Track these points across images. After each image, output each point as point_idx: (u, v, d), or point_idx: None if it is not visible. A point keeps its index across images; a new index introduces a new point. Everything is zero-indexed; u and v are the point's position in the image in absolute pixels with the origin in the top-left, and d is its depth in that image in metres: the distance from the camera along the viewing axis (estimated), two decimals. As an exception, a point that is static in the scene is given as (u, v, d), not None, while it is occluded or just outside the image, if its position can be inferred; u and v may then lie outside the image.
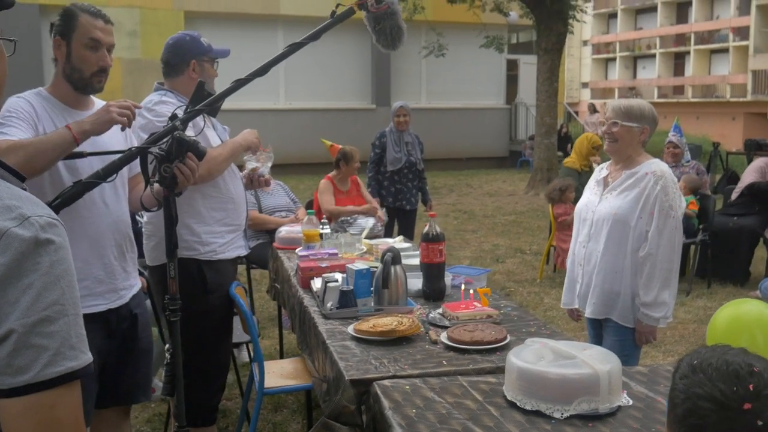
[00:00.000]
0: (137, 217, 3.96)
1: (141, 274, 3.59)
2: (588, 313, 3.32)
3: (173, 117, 2.37)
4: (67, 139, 2.35)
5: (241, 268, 5.95)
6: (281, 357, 4.90)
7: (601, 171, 3.42)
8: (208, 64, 3.23)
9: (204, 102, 2.41)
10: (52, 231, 1.09)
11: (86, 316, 2.53)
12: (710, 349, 1.36)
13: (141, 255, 3.42)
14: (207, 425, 3.32)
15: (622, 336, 3.22)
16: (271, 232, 5.34)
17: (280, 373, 3.55)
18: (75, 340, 1.09)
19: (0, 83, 1.20)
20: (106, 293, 2.64)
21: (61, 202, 2.06)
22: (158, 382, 4.42)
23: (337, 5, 2.54)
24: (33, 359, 1.04)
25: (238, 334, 3.94)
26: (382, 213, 6.14)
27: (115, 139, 2.64)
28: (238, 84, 2.40)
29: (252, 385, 3.62)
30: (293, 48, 2.45)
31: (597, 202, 3.30)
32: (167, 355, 2.60)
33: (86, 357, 1.11)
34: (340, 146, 6.32)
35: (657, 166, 3.19)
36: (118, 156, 2.31)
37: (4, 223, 1.04)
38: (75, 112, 2.59)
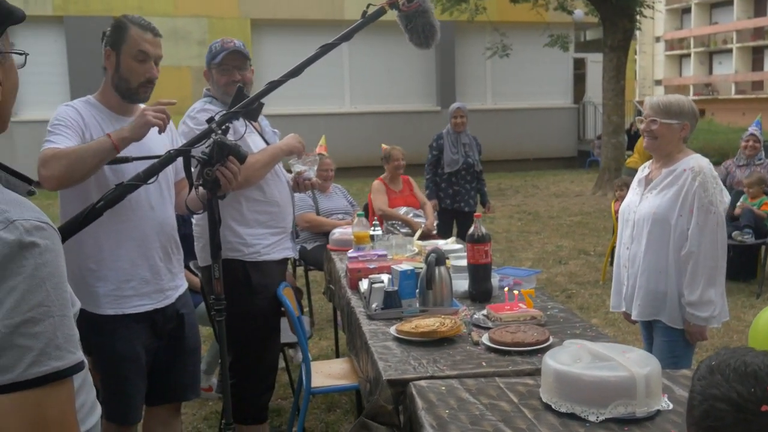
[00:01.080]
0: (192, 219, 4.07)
1: (195, 274, 3.70)
2: (635, 315, 3.25)
3: (210, 120, 2.43)
4: (106, 146, 2.43)
5: (300, 270, 6.05)
6: (337, 357, 4.94)
7: (643, 170, 3.36)
8: (215, 71, 3.26)
9: (239, 104, 2.46)
10: (38, 234, 1.11)
11: (133, 316, 2.63)
12: (732, 350, 1.32)
13: (194, 257, 3.52)
14: (257, 423, 3.37)
15: (672, 337, 3.14)
16: (328, 234, 5.40)
17: (329, 374, 3.59)
18: (61, 341, 1.11)
19: (13, 93, 1.25)
20: (152, 293, 2.72)
21: (104, 204, 2.13)
22: (215, 380, 4.53)
23: (368, 5, 2.55)
24: (17, 359, 1.07)
25: (289, 334, 4.00)
26: (431, 221, 6.13)
27: (161, 144, 2.72)
28: (272, 86, 2.44)
29: (302, 385, 3.66)
30: (326, 49, 2.47)
31: (638, 201, 3.24)
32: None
33: (74, 357, 1.13)
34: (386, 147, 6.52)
35: (696, 161, 3.11)
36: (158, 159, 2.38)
37: None
38: (123, 119, 2.68)
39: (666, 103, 3.15)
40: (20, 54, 1.26)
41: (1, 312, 1.06)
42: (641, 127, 3.23)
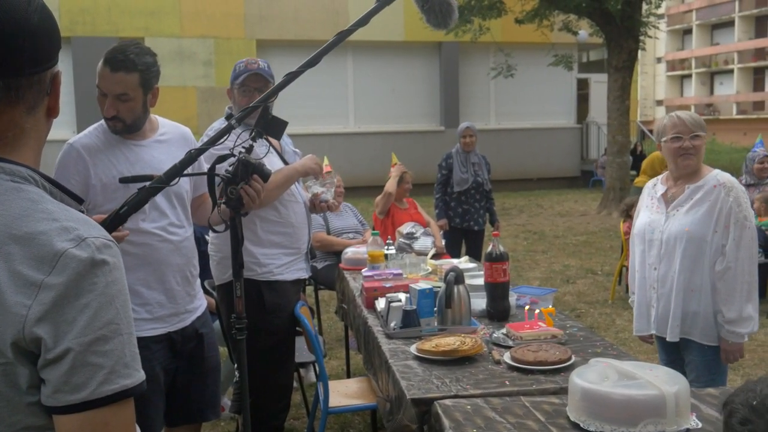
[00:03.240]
0: (206, 237, 4.08)
1: (209, 293, 3.69)
2: (670, 337, 3.16)
3: (229, 116, 2.42)
4: None
5: (310, 289, 6.03)
6: (348, 377, 4.92)
7: (655, 187, 3.30)
8: (237, 91, 3.26)
9: (260, 98, 2.46)
10: (108, 252, 1.12)
11: (152, 338, 2.61)
12: (763, 383, 1.28)
13: (210, 275, 3.52)
14: (273, 444, 3.36)
15: (707, 356, 3.10)
16: (338, 254, 5.40)
17: (345, 393, 3.57)
18: (129, 359, 1.11)
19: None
20: (167, 317, 2.71)
21: (127, 210, 2.12)
22: (227, 400, 4.50)
23: None
24: (89, 377, 1.07)
25: (305, 353, 3.98)
26: (439, 239, 6.14)
27: (174, 160, 2.72)
28: (290, 77, 2.42)
29: (318, 405, 3.65)
30: (342, 36, 2.43)
31: (663, 220, 3.18)
32: (236, 373, 2.66)
33: (140, 375, 1.13)
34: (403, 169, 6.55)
35: (723, 176, 3.09)
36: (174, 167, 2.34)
37: (62, 244, 1.08)
38: (130, 143, 2.69)
39: (698, 117, 3.14)
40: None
41: (74, 330, 1.06)
42: (677, 145, 3.09)
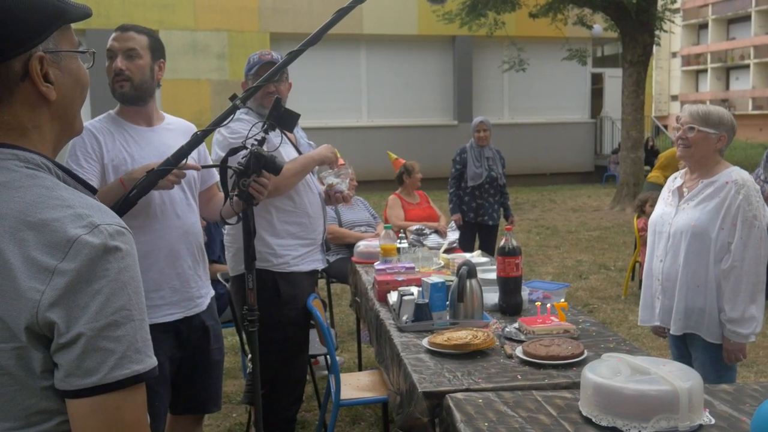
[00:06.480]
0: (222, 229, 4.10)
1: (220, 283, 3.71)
2: (673, 330, 3.18)
3: (233, 97, 2.44)
4: (120, 192, 2.43)
5: (322, 282, 6.04)
6: (360, 370, 4.93)
7: (674, 180, 3.30)
8: (251, 81, 3.28)
9: (264, 77, 2.46)
10: (120, 239, 1.13)
11: (159, 326, 2.65)
12: None
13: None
14: (285, 435, 3.37)
15: (712, 353, 3.08)
16: (351, 247, 5.40)
17: (357, 386, 3.58)
18: (141, 345, 1.13)
19: (74, 92, 1.24)
20: (181, 302, 2.73)
21: (137, 193, 2.14)
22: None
23: None
24: (101, 362, 1.08)
25: (317, 346, 3.99)
26: (444, 227, 6.20)
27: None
28: (292, 56, 2.44)
29: (329, 397, 3.65)
30: (342, 13, 2.44)
31: (673, 213, 3.18)
32: (249, 364, 2.68)
33: (151, 361, 1.15)
34: (403, 161, 6.55)
35: (738, 174, 3.06)
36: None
37: (76, 231, 1.09)
38: (139, 129, 2.71)
39: (705, 111, 3.10)
40: (84, 53, 1.25)
41: (86, 315, 1.07)
42: (676, 134, 3.16)
